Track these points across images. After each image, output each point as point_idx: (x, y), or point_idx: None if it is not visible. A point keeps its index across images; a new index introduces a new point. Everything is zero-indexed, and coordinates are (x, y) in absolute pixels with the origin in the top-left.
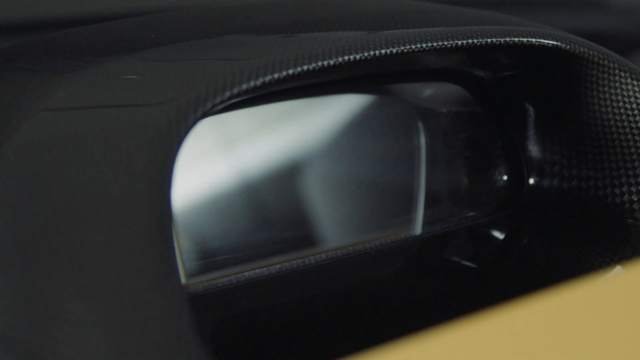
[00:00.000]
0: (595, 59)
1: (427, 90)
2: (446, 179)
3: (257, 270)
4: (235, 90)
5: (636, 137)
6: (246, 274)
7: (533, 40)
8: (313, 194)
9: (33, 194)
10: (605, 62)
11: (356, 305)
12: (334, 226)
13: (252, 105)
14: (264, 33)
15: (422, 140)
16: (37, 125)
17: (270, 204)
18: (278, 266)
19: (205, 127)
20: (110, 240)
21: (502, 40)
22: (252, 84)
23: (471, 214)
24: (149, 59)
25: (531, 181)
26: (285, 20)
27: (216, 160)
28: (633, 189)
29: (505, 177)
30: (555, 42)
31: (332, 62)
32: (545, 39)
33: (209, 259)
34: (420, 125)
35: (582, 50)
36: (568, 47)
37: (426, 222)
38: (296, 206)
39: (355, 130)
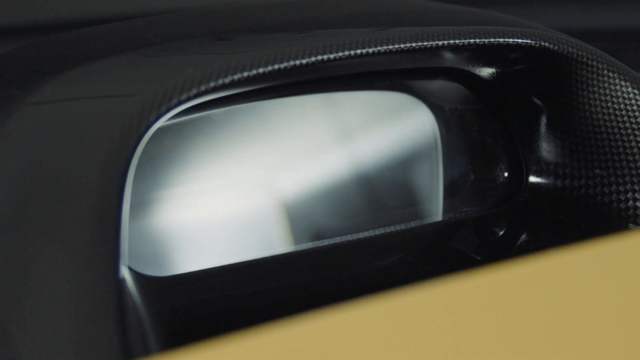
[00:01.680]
0: (584, 59)
1: (430, 89)
2: (448, 173)
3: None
4: (203, 88)
5: (624, 138)
6: (272, 256)
7: (520, 40)
8: (323, 187)
9: (13, 178)
10: (594, 63)
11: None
12: (334, 218)
13: (266, 98)
14: (245, 34)
15: (426, 136)
16: (22, 117)
17: (298, 195)
18: (295, 250)
19: (201, 124)
20: (65, 221)
21: (487, 40)
22: (220, 81)
23: (471, 208)
24: (131, 58)
25: (530, 178)
26: (264, 21)
27: (226, 155)
28: (621, 188)
29: (506, 174)
30: (542, 43)
31: (304, 62)
32: (532, 40)
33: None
34: (424, 122)
35: (570, 50)
36: (556, 47)
37: (426, 215)
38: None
39: (354, 127)
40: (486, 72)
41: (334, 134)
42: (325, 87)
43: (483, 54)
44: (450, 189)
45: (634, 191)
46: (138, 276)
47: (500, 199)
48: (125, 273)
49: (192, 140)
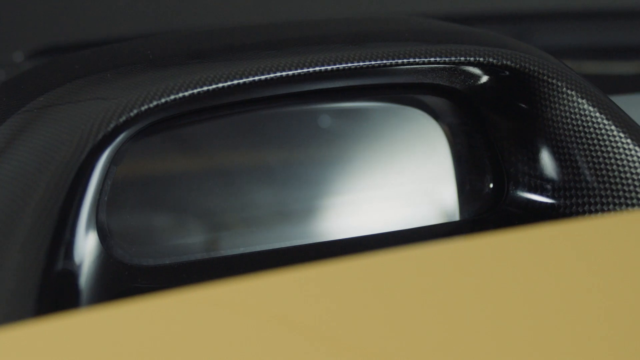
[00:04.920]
0: (545, 77)
1: (418, 103)
2: (437, 182)
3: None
4: (163, 100)
5: (581, 153)
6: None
7: (481, 59)
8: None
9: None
10: (554, 81)
11: None
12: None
13: (276, 108)
14: (218, 53)
15: (420, 148)
16: (12, 122)
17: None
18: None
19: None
20: (20, 209)
21: (447, 59)
22: (180, 95)
23: (457, 215)
24: (116, 73)
25: (510, 189)
26: (240, 41)
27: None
28: (579, 200)
29: (491, 185)
30: (504, 61)
31: (263, 79)
32: (494, 58)
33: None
34: (417, 135)
35: (531, 68)
36: (517, 65)
37: (417, 220)
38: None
39: (350, 139)
40: (466, 88)
41: (321, 145)
42: (311, 101)
43: (457, 71)
44: (440, 197)
45: (590, 203)
46: (112, 261)
47: (485, 208)
48: (92, 257)
49: (183, 144)
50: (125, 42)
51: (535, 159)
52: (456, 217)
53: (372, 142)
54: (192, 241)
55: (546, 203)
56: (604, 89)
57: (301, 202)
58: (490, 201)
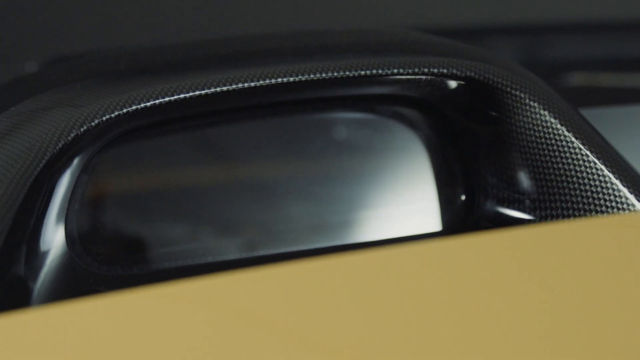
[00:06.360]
0: (508, 88)
1: (392, 115)
2: (408, 194)
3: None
4: (124, 110)
5: (544, 164)
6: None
7: (445, 71)
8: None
9: None
10: (517, 92)
11: None
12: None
13: (261, 117)
14: (181, 65)
15: (391, 159)
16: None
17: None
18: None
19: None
20: None
21: (411, 70)
22: (142, 105)
23: (429, 227)
24: (83, 84)
25: (479, 201)
26: (212, 53)
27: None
28: (544, 213)
29: (462, 197)
30: (468, 73)
31: (228, 89)
32: (457, 70)
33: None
34: (389, 146)
35: (494, 80)
36: (480, 77)
37: (392, 231)
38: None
39: (327, 149)
40: (435, 99)
41: (295, 156)
42: (286, 112)
43: (424, 83)
44: (411, 209)
45: (554, 216)
46: (79, 268)
47: (455, 220)
48: (57, 262)
49: (156, 155)
50: (103, 53)
51: (502, 171)
52: (426, 229)
53: (341, 153)
54: (161, 251)
55: (512, 216)
56: (619, 101)
57: (269, 213)
58: (460, 214)
